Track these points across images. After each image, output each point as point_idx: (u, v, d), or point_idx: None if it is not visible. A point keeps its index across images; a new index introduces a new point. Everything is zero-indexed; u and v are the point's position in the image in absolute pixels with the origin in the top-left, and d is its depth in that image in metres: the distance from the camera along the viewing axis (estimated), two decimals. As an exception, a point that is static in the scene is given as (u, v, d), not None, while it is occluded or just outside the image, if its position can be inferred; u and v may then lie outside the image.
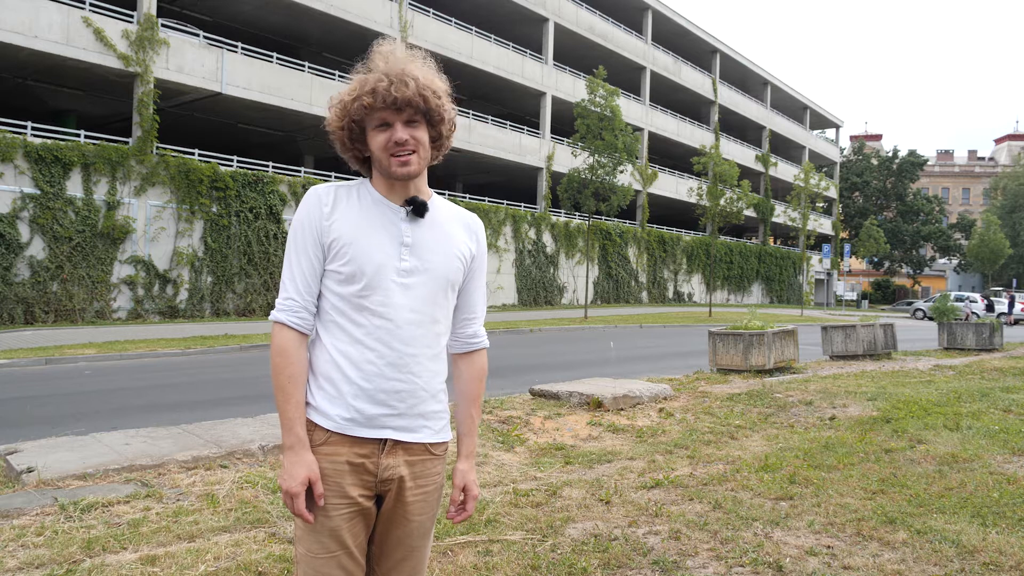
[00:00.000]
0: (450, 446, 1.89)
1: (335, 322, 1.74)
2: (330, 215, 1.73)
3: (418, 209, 1.76)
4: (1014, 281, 61.15)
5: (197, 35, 20.69)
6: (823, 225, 54.54)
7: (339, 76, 23.67)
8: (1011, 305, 37.13)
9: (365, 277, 1.70)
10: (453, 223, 1.85)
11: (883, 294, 65.80)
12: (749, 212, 40.08)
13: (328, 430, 1.71)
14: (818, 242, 56.78)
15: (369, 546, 1.81)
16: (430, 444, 1.80)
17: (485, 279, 1.98)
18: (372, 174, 1.81)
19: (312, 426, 1.72)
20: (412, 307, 1.74)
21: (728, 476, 4.83)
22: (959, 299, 33.85)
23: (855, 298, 52.54)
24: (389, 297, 1.72)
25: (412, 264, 1.75)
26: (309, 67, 22.92)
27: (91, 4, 17.86)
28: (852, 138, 74.72)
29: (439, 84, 1.75)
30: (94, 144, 17.58)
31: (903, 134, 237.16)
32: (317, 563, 1.69)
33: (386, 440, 1.73)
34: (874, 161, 66.89)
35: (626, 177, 31.43)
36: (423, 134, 1.74)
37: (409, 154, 1.71)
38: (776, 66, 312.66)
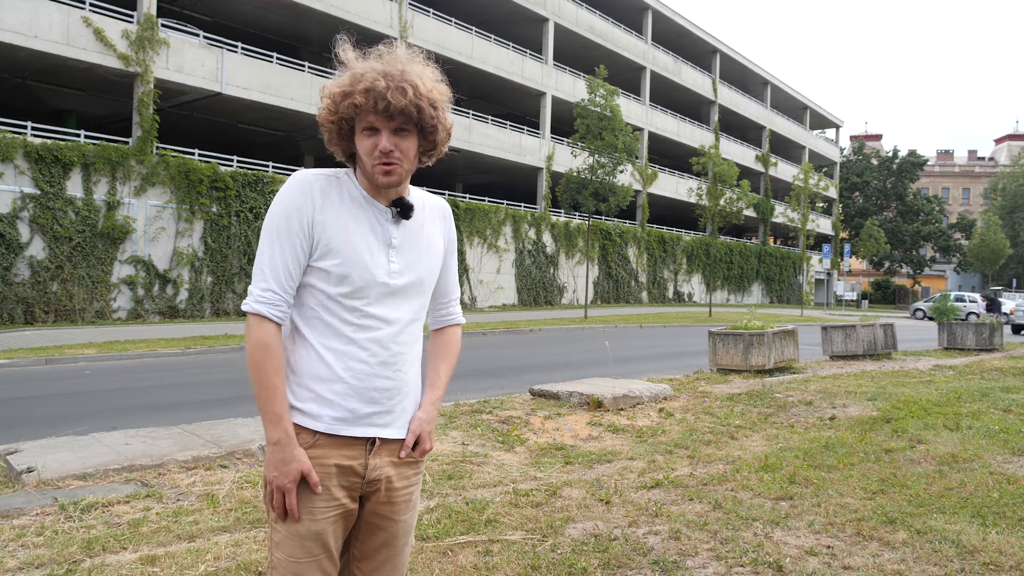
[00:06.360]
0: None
1: (321, 319, 1.70)
2: (323, 209, 1.68)
3: (404, 212, 1.75)
4: (1014, 281, 61.15)
5: (197, 35, 20.69)
6: (823, 225, 54.52)
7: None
8: (994, 306, 35.94)
9: (358, 279, 1.68)
10: (429, 216, 1.84)
11: (883, 294, 65.78)
12: (749, 212, 40.10)
13: (315, 432, 1.69)
14: (818, 242, 56.77)
15: (345, 547, 1.80)
16: None
17: (456, 260, 1.97)
18: (356, 168, 1.78)
19: (297, 429, 1.68)
20: (402, 307, 1.75)
21: (728, 476, 4.83)
22: (959, 299, 33.71)
23: (855, 298, 52.54)
24: (380, 299, 1.71)
25: (400, 266, 1.74)
26: (309, 67, 22.93)
27: (91, 4, 17.86)
28: (852, 138, 74.73)
29: (438, 92, 1.69)
30: (94, 144, 17.58)
31: (903, 134, 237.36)
32: (299, 568, 1.67)
33: (374, 440, 1.73)
34: (874, 161, 66.90)
35: (626, 177, 31.41)
36: (411, 144, 1.69)
37: (393, 164, 1.68)
38: (776, 66, 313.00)
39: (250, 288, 1.70)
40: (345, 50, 1.73)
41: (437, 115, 1.69)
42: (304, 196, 1.68)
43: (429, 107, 1.67)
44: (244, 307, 1.68)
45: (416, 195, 1.83)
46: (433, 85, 1.69)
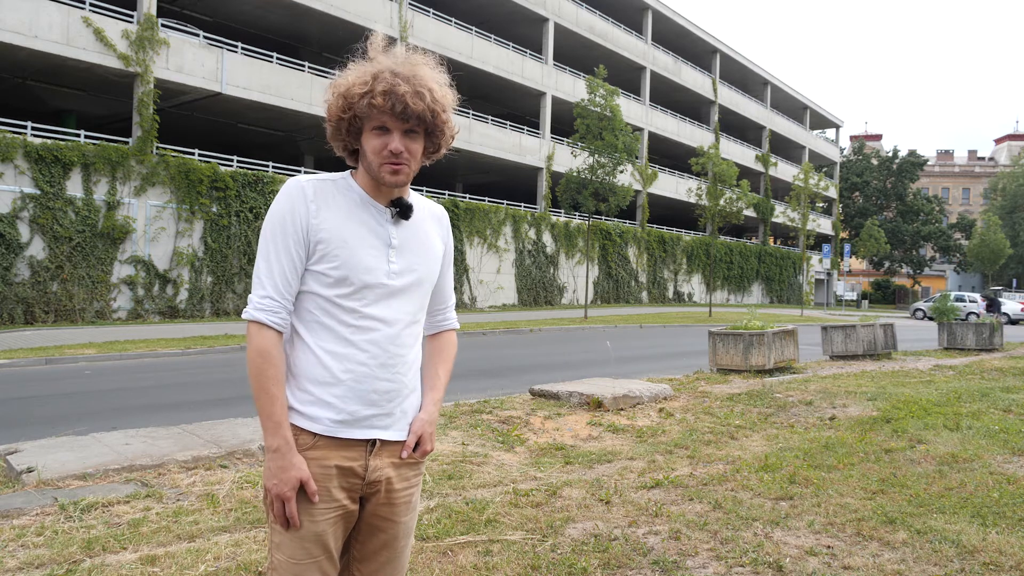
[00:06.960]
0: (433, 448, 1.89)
1: (320, 323, 1.70)
2: (317, 213, 1.69)
3: (404, 212, 1.76)
4: (1014, 281, 61.15)
5: (197, 35, 20.69)
6: (823, 225, 54.53)
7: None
8: (994, 306, 36.21)
9: (357, 280, 1.69)
10: (427, 219, 1.85)
11: (883, 294, 65.78)
12: (749, 212, 40.12)
13: (315, 434, 1.69)
14: (818, 242, 56.78)
15: (345, 548, 1.80)
16: None
17: (452, 266, 1.99)
18: (357, 167, 1.78)
19: (297, 431, 1.68)
20: (401, 308, 1.75)
21: (728, 476, 4.83)
22: (959, 299, 33.76)
23: (855, 298, 52.54)
24: (379, 299, 1.71)
25: (400, 266, 1.74)
26: (309, 67, 22.93)
27: (91, 4, 17.86)
28: (852, 138, 74.73)
29: (448, 97, 1.73)
30: (94, 144, 17.58)
31: (903, 134, 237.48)
32: (299, 569, 1.68)
33: (374, 442, 1.73)
34: (874, 161, 66.90)
35: (626, 177, 31.42)
36: (419, 146, 1.72)
37: (402, 164, 1.70)
38: (776, 66, 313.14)
39: (250, 296, 1.71)
40: (374, 46, 1.74)
41: (447, 119, 1.73)
42: (298, 201, 1.69)
43: (441, 111, 1.70)
44: (244, 315, 1.69)
45: (414, 198, 1.84)
46: (445, 91, 1.72)
